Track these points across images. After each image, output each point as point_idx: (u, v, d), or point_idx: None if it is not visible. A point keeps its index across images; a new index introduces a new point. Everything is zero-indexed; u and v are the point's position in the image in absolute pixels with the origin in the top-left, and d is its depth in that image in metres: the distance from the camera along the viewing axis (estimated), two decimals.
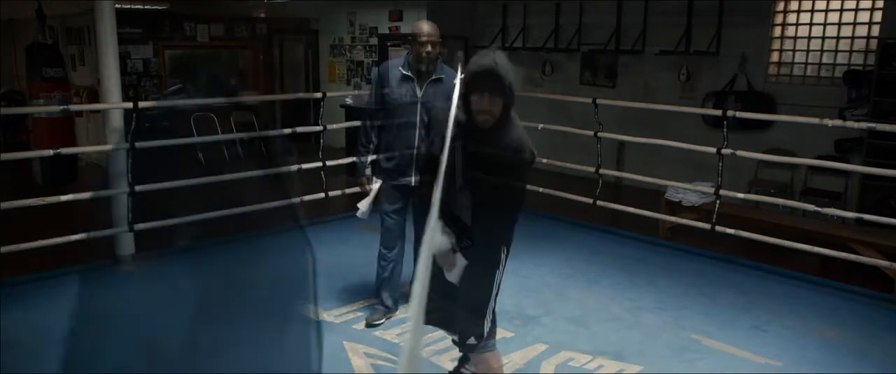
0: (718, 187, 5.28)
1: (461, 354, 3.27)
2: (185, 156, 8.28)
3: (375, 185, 3.89)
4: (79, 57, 8.79)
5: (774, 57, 7.03)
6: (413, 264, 4.01)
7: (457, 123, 2.49)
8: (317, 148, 5.94)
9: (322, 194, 5.78)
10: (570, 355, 3.70)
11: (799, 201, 5.69)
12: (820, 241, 4.88)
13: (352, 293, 4.47)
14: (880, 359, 3.76)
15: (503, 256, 2.77)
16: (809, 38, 6.78)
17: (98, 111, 7.04)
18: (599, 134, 5.99)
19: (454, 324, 2.87)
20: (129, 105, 4.85)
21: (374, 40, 9.43)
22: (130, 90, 8.60)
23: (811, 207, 4.94)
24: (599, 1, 7.94)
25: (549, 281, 4.78)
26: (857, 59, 6.49)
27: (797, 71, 6.89)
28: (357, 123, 4.16)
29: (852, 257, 4.74)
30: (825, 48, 6.69)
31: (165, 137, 6.26)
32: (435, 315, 2.93)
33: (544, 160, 6.29)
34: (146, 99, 8.51)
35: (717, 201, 5.30)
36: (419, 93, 3.72)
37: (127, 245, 5.01)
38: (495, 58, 2.56)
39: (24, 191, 5.28)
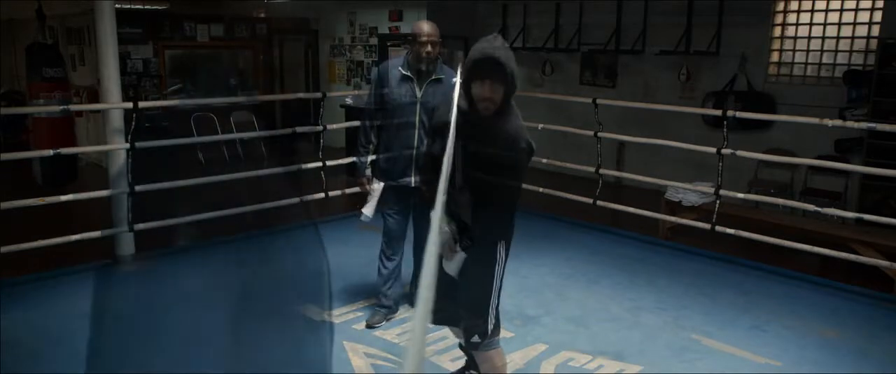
0: (718, 187, 5.28)
1: (464, 356, 3.28)
2: (186, 156, 8.30)
3: (377, 186, 3.87)
4: (79, 57, 8.80)
5: (774, 57, 7.03)
6: (413, 264, 4.04)
7: (458, 110, 2.49)
8: (317, 148, 5.94)
9: (322, 194, 5.78)
10: (570, 355, 3.70)
11: (799, 201, 5.69)
12: (820, 241, 4.88)
13: (352, 293, 4.47)
14: (880, 359, 3.76)
15: (502, 252, 2.77)
16: (809, 38, 6.78)
17: (98, 111, 7.05)
18: (599, 134, 5.99)
19: (459, 322, 2.88)
20: (129, 105, 4.85)
21: (374, 40, 9.43)
22: (130, 90, 8.60)
23: (811, 207, 4.94)
24: (599, 1, 7.95)
25: (549, 281, 4.79)
26: (857, 59, 6.49)
27: (797, 71, 6.89)
28: (357, 123, 4.15)
29: (852, 257, 4.74)
30: (825, 48, 6.69)
31: (165, 137, 6.27)
32: (440, 315, 2.94)
33: (544, 160, 6.29)
34: (146, 99, 8.53)
35: (717, 201, 5.30)
36: (418, 93, 3.72)
37: (127, 245, 5.01)
38: (497, 45, 2.56)
39: (24, 191, 5.28)
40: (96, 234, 4.77)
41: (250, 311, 4.17)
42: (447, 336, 3.74)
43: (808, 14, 6.76)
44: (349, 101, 8.50)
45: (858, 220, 4.91)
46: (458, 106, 2.50)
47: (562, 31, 8.40)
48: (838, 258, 4.75)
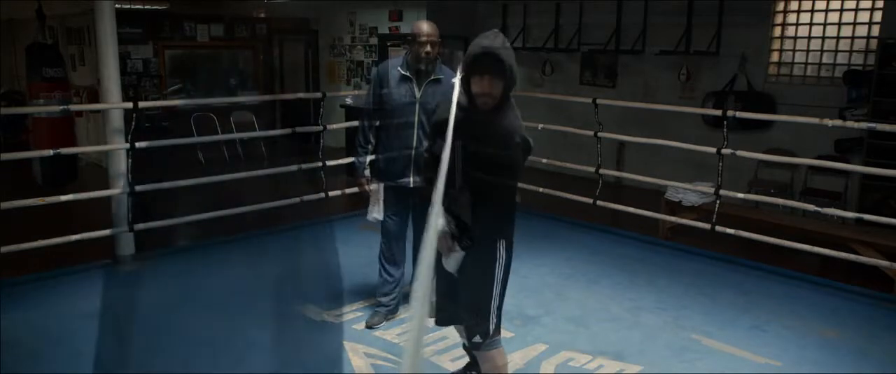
0: (718, 187, 5.28)
1: (466, 356, 3.28)
2: (186, 156, 8.31)
3: (380, 187, 3.86)
4: (79, 57, 8.80)
5: (774, 57, 7.03)
6: (413, 264, 4.03)
7: (457, 105, 2.49)
8: (317, 148, 5.94)
9: (322, 194, 5.78)
10: (570, 355, 3.70)
11: (799, 201, 5.69)
12: (820, 241, 4.88)
13: (352, 293, 4.46)
14: (880, 359, 3.76)
15: (502, 250, 2.75)
16: (809, 38, 6.78)
17: (98, 111, 7.05)
18: (599, 134, 5.99)
19: (462, 322, 2.87)
20: (129, 105, 4.85)
21: (374, 40, 9.43)
22: (130, 90, 8.60)
23: (811, 207, 4.93)
24: (599, 1, 7.95)
25: (549, 281, 4.78)
26: (857, 59, 6.48)
27: (797, 71, 6.89)
28: (357, 123, 4.14)
29: (852, 257, 4.73)
30: (825, 48, 6.69)
31: (165, 137, 6.27)
32: (444, 315, 2.94)
33: (544, 160, 6.29)
34: (146, 99, 8.54)
35: (717, 201, 5.30)
36: (418, 93, 3.71)
37: (127, 245, 5.01)
38: (496, 40, 2.57)
39: (24, 191, 5.29)
40: (96, 234, 4.76)
41: (250, 311, 4.18)
42: (447, 336, 3.74)
43: (808, 14, 6.76)
44: (349, 101, 8.51)
45: (858, 220, 4.91)
46: (458, 101, 2.51)
47: (562, 31, 8.40)
48: (838, 258, 4.75)
